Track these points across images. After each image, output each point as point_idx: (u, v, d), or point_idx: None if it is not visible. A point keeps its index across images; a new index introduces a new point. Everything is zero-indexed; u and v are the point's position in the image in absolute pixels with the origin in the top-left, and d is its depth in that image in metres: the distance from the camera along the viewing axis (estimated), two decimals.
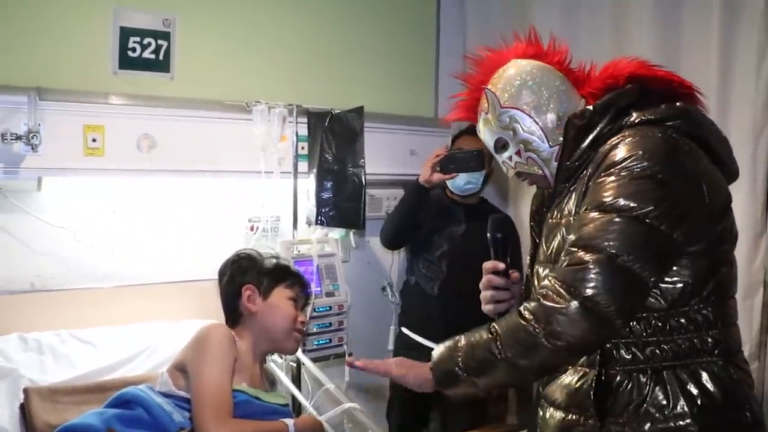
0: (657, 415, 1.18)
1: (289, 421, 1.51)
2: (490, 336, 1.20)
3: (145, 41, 2.34)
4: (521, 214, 2.76)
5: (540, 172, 1.37)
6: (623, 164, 1.16)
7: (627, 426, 1.20)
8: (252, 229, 2.57)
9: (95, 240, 2.32)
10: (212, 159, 2.39)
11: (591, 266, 1.10)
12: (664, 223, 1.13)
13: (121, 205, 2.36)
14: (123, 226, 2.36)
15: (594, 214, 1.15)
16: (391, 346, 2.85)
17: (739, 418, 1.19)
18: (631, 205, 1.12)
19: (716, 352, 1.19)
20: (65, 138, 2.15)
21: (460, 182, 2.49)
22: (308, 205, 2.54)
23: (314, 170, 2.49)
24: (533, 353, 1.14)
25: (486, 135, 1.41)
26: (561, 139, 1.32)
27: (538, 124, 1.34)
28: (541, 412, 1.39)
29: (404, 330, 2.66)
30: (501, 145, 1.39)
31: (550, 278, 1.16)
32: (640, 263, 1.11)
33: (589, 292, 1.09)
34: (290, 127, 2.42)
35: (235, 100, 2.44)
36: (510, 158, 1.39)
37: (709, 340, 1.19)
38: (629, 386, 1.21)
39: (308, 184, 2.55)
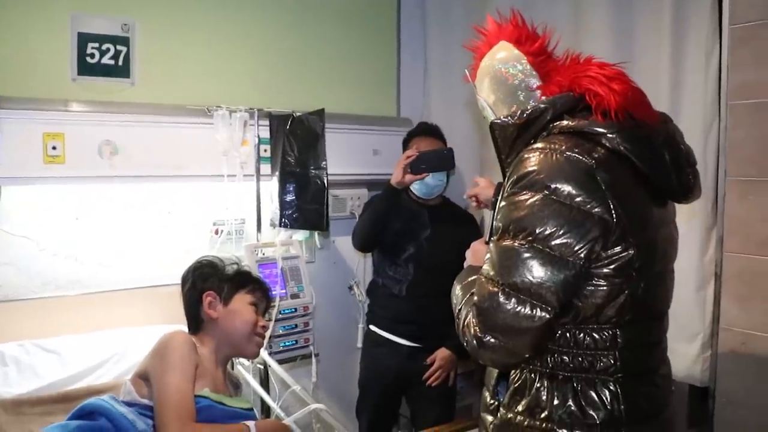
0: (530, 411, 1.28)
1: (251, 423, 1.53)
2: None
3: (104, 47, 2.33)
4: (482, 210, 2.81)
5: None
6: (524, 182, 1.21)
7: (511, 412, 1.31)
8: (216, 232, 2.58)
9: (58, 248, 2.30)
10: (175, 164, 2.38)
11: (496, 299, 1.18)
12: (564, 247, 1.16)
13: (84, 212, 2.35)
14: (86, 233, 2.35)
15: (502, 242, 1.22)
16: (359, 344, 2.88)
17: None
18: (531, 229, 1.17)
19: (611, 371, 1.24)
20: (24, 146, 2.14)
21: (430, 183, 2.51)
22: (272, 208, 2.55)
23: (277, 173, 2.50)
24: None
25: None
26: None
27: (491, 109, 1.45)
28: None
29: (372, 327, 2.69)
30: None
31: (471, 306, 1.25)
32: (546, 291, 1.16)
33: (491, 338, 1.19)
34: (251, 130, 2.44)
35: (196, 105, 2.44)
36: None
37: (606, 360, 1.25)
38: (519, 381, 1.32)
39: (271, 187, 2.56)
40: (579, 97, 1.30)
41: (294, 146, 2.46)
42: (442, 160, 2.43)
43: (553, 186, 1.18)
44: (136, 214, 2.45)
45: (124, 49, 2.38)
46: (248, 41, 2.70)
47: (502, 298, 1.16)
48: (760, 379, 1.88)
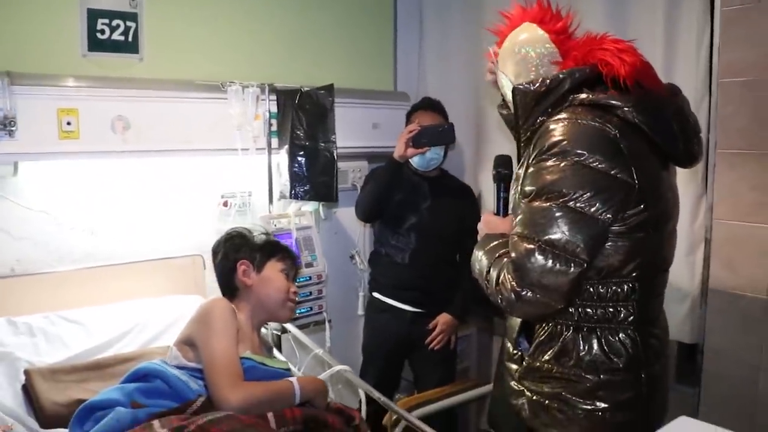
0: (557, 359, 1.42)
1: (292, 379, 1.64)
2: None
3: (114, 23, 2.35)
4: (479, 183, 2.94)
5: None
6: (554, 150, 1.32)
7: (538, 361, 1.45)
8: (226, 204, 2.63)
9: (75, 222, 2.34)
10: (186, 138, 2.42)
11: (533, 256, 1.28)
12: (593, 207, 1.28)
13: (98, 187, 2.39)
14: (101, 208, 2.40)
15: (534, 203, 1.32)
16: (360, 311, 3.00)
17: (632, 380, 1.41)
18: (563, 191, 1.29)
19: (630, 320, 1.40)
20: (40, 122, 2.16)
21: (428, 156, 2.60)
22: (281, 180, 2.62)
23: (286, 146, 2.56)
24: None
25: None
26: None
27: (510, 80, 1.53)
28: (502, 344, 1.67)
29: (375, 294, 2.80)
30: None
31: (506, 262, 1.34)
32: (577, 246, 1.28)
33: (528, 292, 1.29)
34: (262, 105, 2.48)
35: (205, 80, 2.47)
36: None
37: (625, 310, 1.40)
38: (545, 333, 1.45)
39: (279, 160, 2.63)
40: (596, 72, 1.40)
41: (303, 120, 2.53)
42: (442, 135, 2.53)
43: (582, 153, 1.30)
44: (148, 188, 2.49)
45: (133, 24, 2.39)
46: (254, 18, 2.72)
47: (538, 254, 1.27)
48: (744, 334, 2.05)
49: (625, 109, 1.36)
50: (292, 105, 2.54)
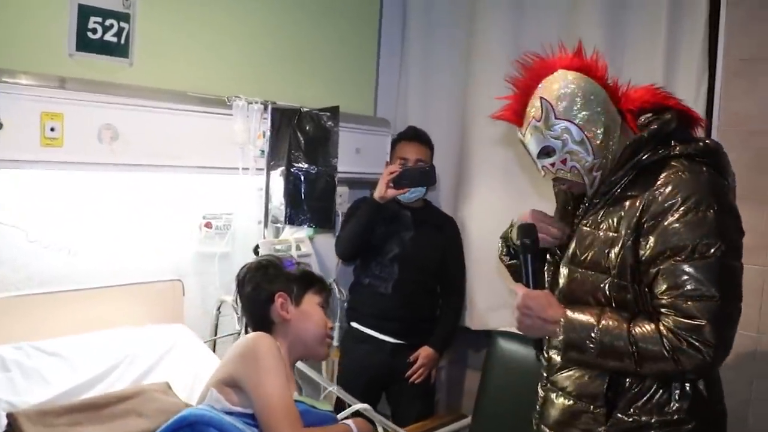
0: (659, 410, 1.39)
1: (350, 423, 1.52)
2: (627, 334, 1.33)
3: (108, 22, 2.13)
4: (464, 216, 2.92)
5: (580, 180, 1.46)
6: (687, 204, 1.31)
7: (633, 417, 1.41)
8: (209, 226, 2.46)
9: (50, 239, 2.08)
10: (178, 153, 2.24)
11: (704, 323, 1.27)
12: (733, 256, 1.32)
13: (77, 201, 2.15)
14: (78, 224, 2.15)
15: (684, 266, 1.30)
16: (337, 342, 2.87)
17: (721, 409, 1.47)
18: (725, 242, 1.29)
19: None
20: (21, 126, 1.91)
21: (408, 195, 2.60)
22: (274, 203, 2.48)
23: (281, 168, 2.43)
24: (657, 363, 1.32)
25: (532, 141, 1.46)
26: (608, 153, 1.43)
27: (587, 137, 1.41)
28: (544, 394, 1.59)
29: (354, 324, 2.72)
30: (546, 153, 1.45)
31: (668, 321, 1.30)
32: (734, 300, 1.31)
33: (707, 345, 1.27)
34: (264, 123, 2.35)
35: (199, 92, 2.31)
36: (552, 165, 1.45)
37: None
38: (638, 387, 1.41)
39: (272, 182, 2.49)
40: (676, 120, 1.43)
41: (300, 142, 2.41)
42: (423, 177, 2.57)
43: (716, 201, 1.32)
44: (128, 205, 2.27)
45: (126, 26, 2.18)
46: (249, 32, 2.58)
47: (734, 314, 1.31)
48: (735, 370, 2.05)
49: (716, 159, 1.41)
50: (289, 125, 2.42)
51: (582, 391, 1.47)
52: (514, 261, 1.69)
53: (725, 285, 1.28)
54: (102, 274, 2.21)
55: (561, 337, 1.38)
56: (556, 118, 1.41)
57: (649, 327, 1.32)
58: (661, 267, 1.32)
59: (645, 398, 1.40)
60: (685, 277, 1.29)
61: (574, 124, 1.41)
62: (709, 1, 2.16)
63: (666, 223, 1.32)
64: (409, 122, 2.95)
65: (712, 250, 1.28)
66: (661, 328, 1.30)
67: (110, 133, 2.10)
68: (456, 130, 2.93)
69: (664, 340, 1.29)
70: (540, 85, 1.45)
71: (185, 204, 2.41)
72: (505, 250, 1.75)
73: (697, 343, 1.27)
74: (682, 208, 1.31)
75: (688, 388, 1.39)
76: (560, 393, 1.53)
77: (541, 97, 1.43)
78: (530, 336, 1.55)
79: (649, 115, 1.48)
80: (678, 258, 1.30)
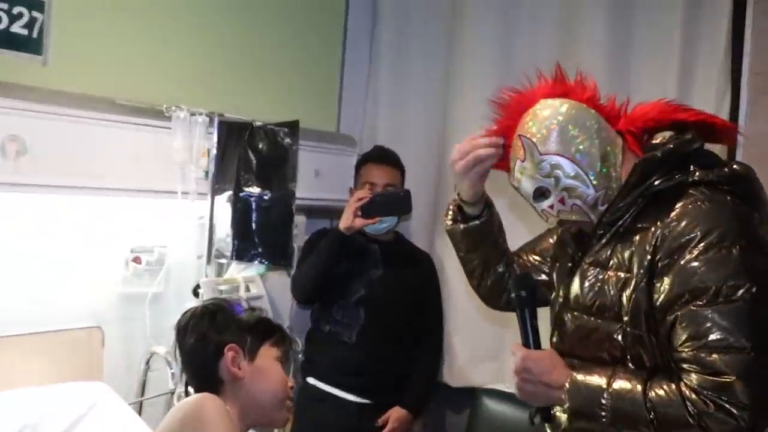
0: None
1: None
2: (643, 397, 1.18)
3: (15, 10, 1.78)
4: (441, 253, 2.65)
5: (586, 218, 1.32)
6: (709, 239, 1.17)
7: None
8: (137, 261, 2.12)
9: None
10: (100, 173, 1.94)
11: (733, 379, 1.13)
12: (766, 299, 1.16)
13: None
14: None
15: (707, 312, 1.16)
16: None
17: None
18: (737, 284, 1.15)
19: None
20: None
21: (378, 225, 2.31)
22: (218, 235, 2.17)
23: (228, 193, 2.13)
24: (681, 431, 1.17)
25: (524, 184, 1.33)
26: (611, 182, 1.30)
27: (581, 168, 1.28)
28: None
29: (311, 380, 2.40)
30: (541, 194, 1.32)
31: (691, 379, 1.16)
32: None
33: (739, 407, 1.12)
34: (209, 139, 2.05)
35: (140, 102, 2.03)
36: (551, 206, 1.32)
37: None
38: None
39: (215, 210, 2.19)
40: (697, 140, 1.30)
41: (252, 162, 2.12)
42: (397, 204, 2.26)
43: (742, 235, 1.18)
44: (39, 235, 1.94)
45: (39, 16, 1.83)
46: (184, 30, 2.29)
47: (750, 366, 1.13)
48: None
49: (742, 187, 1.26)
50: (238, 141, 2.11)
51: None
52: (456, 225, 1.56)
53: (758, 333, 1.14)
54: (1, 320, 1.87)
55: (567, 405, 1.23)
56: (541, 155, 1.30)
57: (668, 388, 1.17)
58: (680, 313, 1.18)
59: None
60: (709, 325, 1.15)
61: (564, 156, 1.29)
62: (732, 9, 1.99)
63: (683, 262, 1.18)
64: (377, 140, 2.70)
65: (740, 293, 1.15)
66: (683, 388, 1.16)
67: (16, 145, 1.79)
68: (433, 150, 2.69)
69: (687, 402, 1.14)
70: (520, 122, 1.35)
71: (108, 234, 2.10)
72: (451, 214, 1.57)
73: (727, 405, 1.12)
74: (702, 244, 1.18)
75: None
76: None
77: (519, 135, 1.32)
78: (533, 405, 1.35)
79: (667, 133, 1.33)
80: (699, 302, 1.17)
